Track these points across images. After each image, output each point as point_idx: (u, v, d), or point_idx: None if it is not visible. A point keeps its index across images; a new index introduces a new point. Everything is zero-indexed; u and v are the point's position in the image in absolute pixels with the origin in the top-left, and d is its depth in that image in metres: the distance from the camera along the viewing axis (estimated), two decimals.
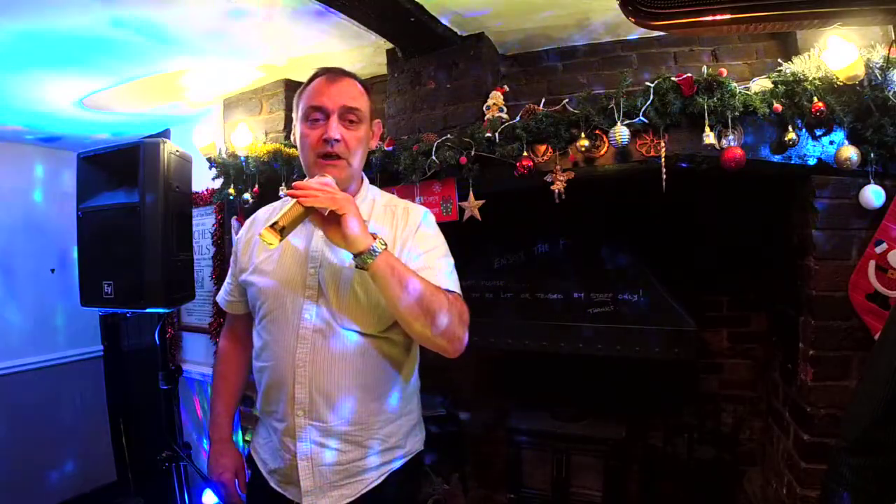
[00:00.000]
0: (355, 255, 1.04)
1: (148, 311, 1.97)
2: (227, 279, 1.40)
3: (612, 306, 2.08)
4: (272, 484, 1.24)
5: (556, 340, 2.14)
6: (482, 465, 2.72)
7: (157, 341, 2.26)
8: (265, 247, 1.20)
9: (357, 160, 1.21)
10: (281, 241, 1.02)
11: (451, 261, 1.23)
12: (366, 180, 1.31)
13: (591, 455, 2.21)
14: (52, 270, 3.42)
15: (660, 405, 2.36)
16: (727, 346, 2.29)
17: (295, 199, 1.03)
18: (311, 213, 1.05)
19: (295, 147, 2.19)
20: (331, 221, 1.05)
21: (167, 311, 2.04)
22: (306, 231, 1.20)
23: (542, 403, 2.42)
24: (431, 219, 1.27)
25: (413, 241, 1.19)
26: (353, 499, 1.17)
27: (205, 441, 3.19)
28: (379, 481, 1.20)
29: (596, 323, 2.09)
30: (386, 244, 1.06)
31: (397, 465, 1.23)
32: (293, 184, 1.06)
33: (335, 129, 1.15)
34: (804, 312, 1.70)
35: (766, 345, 2.18)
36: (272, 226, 1.01)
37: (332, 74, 1.21)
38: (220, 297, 1.43)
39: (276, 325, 1.20)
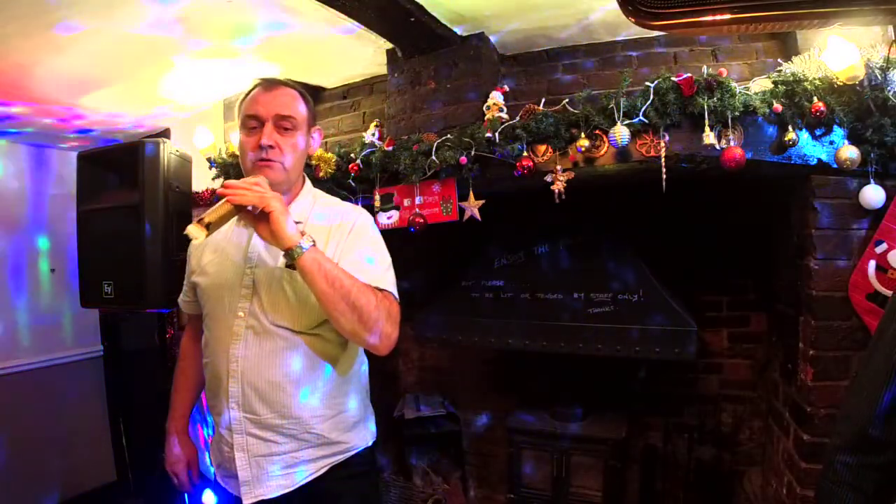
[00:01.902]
0: (284, 252, 1.09)
1: (148, 311, 1.97)
2: (185, 281, 1.46)
3: (612, 306, 2.08)
4: (219, 479, 1.29)
5: (556, 340, 2.14)
6: (482, 465, 2.72)
7: (157, 341, 2.26)
8: (211, 248, 1.31)
9: (291, 164, 1.25)
10: (207, 235, 1.08)
11: (387, 259, 1.28)
12: (308, 183, 1.36)
13: (591, 455, 2.22)
14: (52, 270, 3.42)
15: (660, 405, 2.36)
16: (727, 346, 2.29)
17: (225, 198, 1.08)
18: (240, 212, 1.10)
19: None
20: (260, 219, 1.10)
21: (167, 311, 2.04)
22: (246, 234, 1.26)
23: (542, 403, 2.42)
24: (368, 219, 1.32)
25: (347, 240, 1.24)
26: (290, 489, 1.21)
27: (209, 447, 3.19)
28: (319, 474, 1.23)
29: (596, 323, 2.09)
30: (314, 241, 1.11)
31: (339, 459, 1.26)
32: (223, 182, 1.12)
33: (268, 136, 1.21)
34: (804, 312, 1.70)
35: (766, 345, 2.18)
36: (199, 221, 1.07)
37: (268, 84, 1.27)
38: (179, 298, 1.50)
39: (215, 323, 1.27)
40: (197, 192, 2.75)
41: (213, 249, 1.32)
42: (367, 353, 1.38)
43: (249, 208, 1.09)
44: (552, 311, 2.17)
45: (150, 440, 3.21)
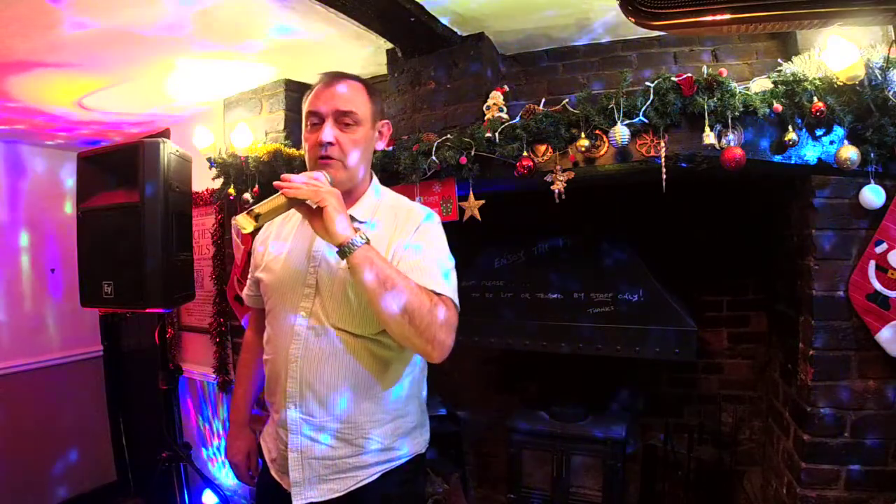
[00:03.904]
0: (337, 248, 1.06)
1: (148, 311, 1.97)
2: (249, 275, 1.45)
3: (612, 306, 2.08)
4: (272, 472, 1.28)
5: (556, 340, 2.14)
6: (482, 465, 2.72)
7: (157, 341, 2.26)
8: (277, 245, 1.29)
9: (353, 161, 1.22)
10: (256, 227, 1.07)
11: (450, 263, 1.22)
12: (375, 180, 1.33)
13: (591, 455, 2.22)
14: (53, 270, 3.42)
15: (660, 405, 2.36)
16: (727, 346, 2.29)
17: (280, 190, 1.07)
18: (294, 206, 1.08)
19: (294, 147, 2.19)
20: (315, 214, 1.07)
21: (167, 311, 2.04)
22: (311, 232, 1.22)
23: (542, 403, 2.42)
24: (435, 220, 1.27)
25: (411, 241, 1.19)
26: (341, 493, 1.19)
27: (209, 447, 3.19)
28: (371, 479, 1.21)
29: (596, 323, 2.09)
30: (368, 239, 1.07)
31: (392, 465, 1.24)
32: (282, 176, 1.09)
33: (328, 133, 1.18)
34: (804, 312, 1.70)
35: (766, 345, 2.18)
36: (249, 212, 1.06)
37: (331, 78, 1.24)
38: (244, 292, 1.49)
39: (276, 320, 1.25)
40: (197, 192, 2.75)
41: (279, 246, 1.30)
42: None
43: (307, 202, 1.07)
44: (552, 311, 2.17)
45: (150, 440, 3.21)
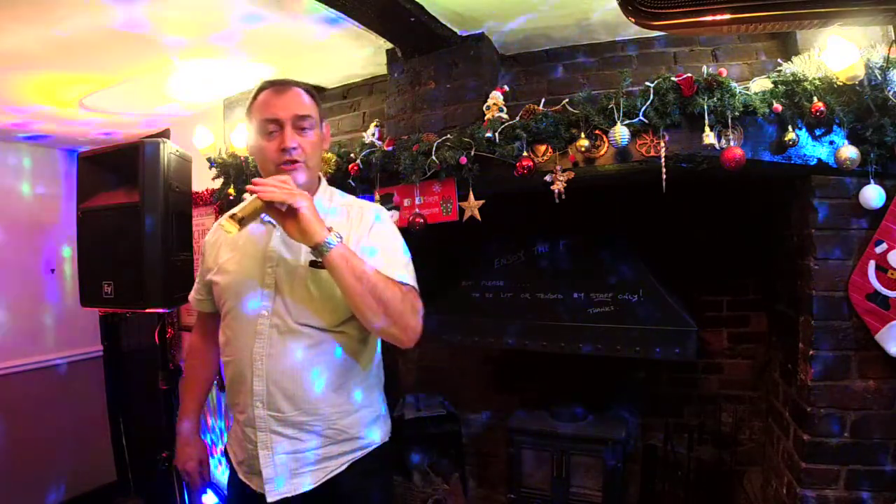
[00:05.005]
0: (311, 248, 1.10)
1: (148, 311, 1.97)
2: (197, 279, 1.47)
3: (612, 306, 2.08)
4: (240, 475, 1.29)
5: (556, 340, 2.14)
6: (482, 465, 2.72)
7: (157, 341, 2.26)
8: (228, 247, 1.32)
9: (313, 162, 1.29)
10: (239, 230, 1.10)
11: (407, 255, 1.29)
12: (323, 181, 1.38)
13: (591, 455, 2.22)
14: (52, 270, 3.42)
15: (660, 405, 2.36)
16: (727, 346, 2.29)
17: (254, 195, 1.10)
18: (269, 208, 1.12)
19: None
20: (287, 216, 1.11)
21: (167, 311, 2.04)
22: (266, 233, 1.28)
23: (542, 403, 2.42)
24: (386, 216, 1.33)
25: (368, 237, 1.25)
26: (313, 486, 1.22)
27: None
28: (340, 470, 1.25)
29: (596, 323, 2.09)
30: (341, 237, 1.13)
31: (359, 454, 1.28)
32: (252, 180, 1.12)
33: (291, 139, 1.22)
34: (804, 312, 1.70)
35: (766, 345, 2.18)
36: (231, 216, 1.09)
37: (279, 86, 1.28)
38: (191, 295, 1.50)
39: (236, 322, 1.27)
40: (197, 192, 2.75)
41: (231, 247, 1.31)
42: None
43: (278, 205, 1.10)
44: (552, 311, 2.17)
45: (150, 440, 3.21)
